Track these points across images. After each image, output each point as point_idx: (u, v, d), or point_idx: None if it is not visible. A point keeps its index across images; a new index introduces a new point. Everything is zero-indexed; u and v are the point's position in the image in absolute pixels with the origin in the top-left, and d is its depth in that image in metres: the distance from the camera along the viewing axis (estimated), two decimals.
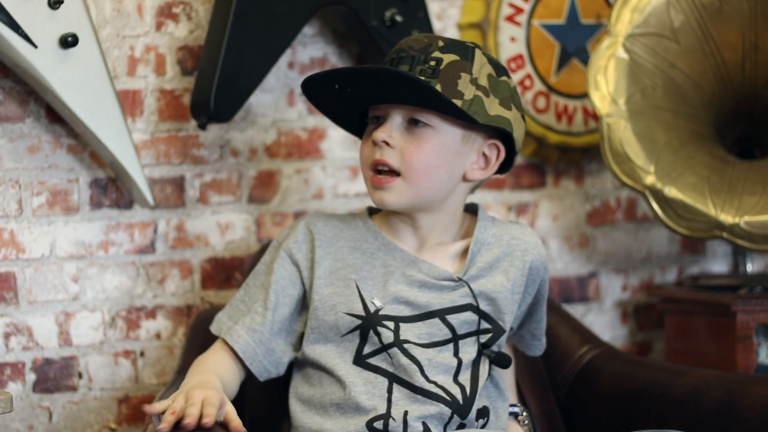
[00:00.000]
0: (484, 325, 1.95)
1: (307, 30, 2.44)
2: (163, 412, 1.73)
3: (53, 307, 2.25)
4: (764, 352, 2.43)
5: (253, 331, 1.95)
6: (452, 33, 2.59)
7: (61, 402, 2.26)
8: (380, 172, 1.93)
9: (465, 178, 1.96)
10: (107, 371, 2.30)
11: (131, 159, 2.22)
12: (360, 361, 1.91)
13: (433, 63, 1.89)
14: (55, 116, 2.23)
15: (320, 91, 1.97)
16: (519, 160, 2.67)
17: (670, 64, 2.49)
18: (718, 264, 2.88)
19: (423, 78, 1.88)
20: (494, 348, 1.97)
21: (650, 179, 2.43)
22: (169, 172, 2.34)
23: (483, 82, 1.91)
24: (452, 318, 1.94)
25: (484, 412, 1.95)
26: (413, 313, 1.93)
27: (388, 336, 1.91)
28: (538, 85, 2.64)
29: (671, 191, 2.42)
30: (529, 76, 2.63)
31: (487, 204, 2.63)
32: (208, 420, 1.71)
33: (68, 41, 2.09)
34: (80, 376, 2.27)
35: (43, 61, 2.09)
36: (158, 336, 2.34)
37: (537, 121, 2.64)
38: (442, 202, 1.96)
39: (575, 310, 2.71)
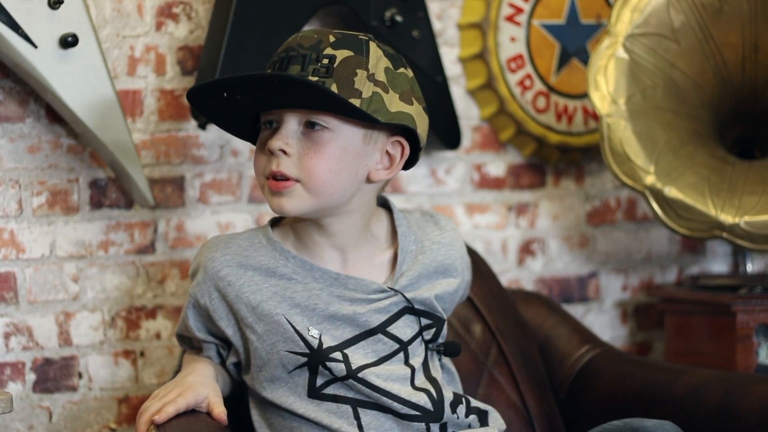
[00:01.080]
0: (425, 321, 1.90)
1: None
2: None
3: (53, 307, 2.25)
4: (764, 352, 2.43)
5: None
6: (452, 33, 2.59)
7: (61, 402, 2.26)
8: (277, 178, 1.81)
9: (369, 180, 1.84)
10: (107, 371, 2.30)
11: (131, 159, 2.21)
12: (315, 393, 1.83)
13: (326, 61, 1.76)
14: (55, 116, 2.23)
15: (208, 99, 1.82)
16: (519, 159, 2.67)
17: (670, 64, 2.49)
18: (718, 264, 2.87)
19: (317, 78, 1.75)
20: (439, 340, 1.93)
21: (650, 179, 2.42)
22: (169, 172, 2.34)
23: (381, 77, 1.79)
24: (393, 329, 1.87)
25: (457, 400, 1.91)
26: (354, 333, 1.85)
27: (339, 369, 1.82)
28: (538, 85, 2.64)
29: (671, 191, 2.42)
30: (529, 76, 2.63)
31: (487, 204, 2.64)
32: (158, 417, 1.77)
33: (68, 41, 2.09)
34: (80, 376, 2.27)
35: (43, 61, 2.09)
36: (158, 336, 2.34)
37: (537, 121, 2.64)
38: (347, 206, 1.84)
39: (575, 310, 2.71)
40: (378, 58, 1.81)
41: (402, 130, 1.84)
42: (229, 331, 1.88)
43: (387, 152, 1.85)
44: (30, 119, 2.22)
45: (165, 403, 1.79)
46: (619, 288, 2.78)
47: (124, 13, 2.29)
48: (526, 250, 2.69)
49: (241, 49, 2.21)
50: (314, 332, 1.84)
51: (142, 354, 2.33)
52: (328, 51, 1.78)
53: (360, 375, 1.83)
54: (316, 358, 1.83)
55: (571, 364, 2.29)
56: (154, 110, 2.32)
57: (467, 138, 2.62)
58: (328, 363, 1.83)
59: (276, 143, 1.79)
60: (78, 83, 2.13)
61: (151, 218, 2.33)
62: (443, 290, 1.94)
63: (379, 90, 1.79)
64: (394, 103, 1.80)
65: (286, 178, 1.79)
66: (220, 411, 1.79)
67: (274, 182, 1.80)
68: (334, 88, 1.76)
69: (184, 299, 2.34)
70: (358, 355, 1.85)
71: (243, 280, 1.85)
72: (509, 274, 2.66)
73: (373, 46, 1.81)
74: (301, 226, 1.89)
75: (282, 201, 1.80)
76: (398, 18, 2.36)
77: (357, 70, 1.78)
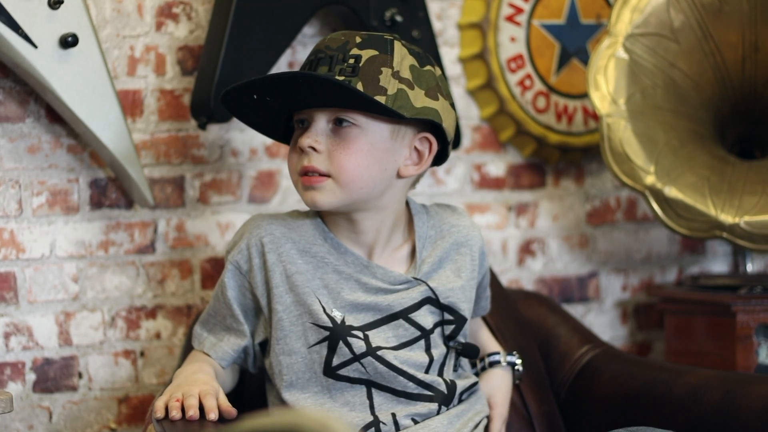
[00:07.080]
0: (447, 316, 1.94)
1: (307, 30, 2.44)
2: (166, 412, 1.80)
3: (53, 307, 2.25)
4: (764, 352, 2.43)
5: (238, 347, 1.95)
6: (452, 33, 2.59)
7: (61, 402, 2.26)
8: (309, 174, 1.87)
9: (399, 175, 1.89)
10: (107, 371, 2.30)
11: (131, 159, 2.22)
12: (331, 372, 1.87)
13: (351, 61, 1.83)
14: (55, 116, 2.23)
15: (241, 102, 1.89)
16: (519, 159, 2.67)
17: (670, 64, 2.49)
18: (718, 264, 2.87)
19: (343, 77, 1.81)
20: (459, 339, 1.96)
21: (650, 179, 2.42)
22: (169, 172, 2.34)
23: (405, 74, 1.84)
24: (416, 316, 1.91)
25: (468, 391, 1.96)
26: (376, 317, 1.90)
27: (359, 346, 1.87)
28: (538, 85, 2.64)
29: (671, 191, 2.42)
30: (529, 76, 2.63)
31: (487, 204, 2.64)
32: (213, 415, 1.77)
33: (68, 41, 2.09)
34: (80, 376, 2.27)
35: (43, 61, 2.09)
36: (158, 336, 2.34)
37: (537, 121, 2.64)
38: (379, 200, 1.89)
39: (575, 310, 2.71)
40: (403, 56, 1.86)
41: (429, 126, 1.89)
42: (263, 300, 1.92)
43: (415, 148, 1.90)
44: (30, 119, 2.22)
45: (203, 397, 1.80)
46: (619, 288, 2.78)
47: (124, 13, 2.29)
48: (526, 250, 2.69)
49: (241, 49, 2.21)
50: (337, 314, 1.88)
51: (142, 354, 2.33)
52: (354, 51, 1.84)
53: (379, 353, 1.87)
54: (337, 332, 1.87)
55: (571, 364, 2.29)
56: (154, 110, 2.32)
57: (467, 138, 2.62)
58: (348, 338, 1.87)
59: (306, 141, 1.85)
60: (78, 83, 2.14)
61: (151, 218, 2.33)
62: (467, 278, 1.96)
63: (404, 87, 1.84)
64: (419, 99, 1.85)
65: (318, 173, 1.84)
66: (227, 406, 1.81)
67: (306, 178, 1.86)
68: (359, 87, 1.81)
69: (184, 299, 2.34)
70: (379, 338, 1.89)
71: (283, 249, 1.91)
72: (509, 274, 2.66)
73: (398, 45, 1.87)
74: (330, 220, 1.94)
75: (315, 194, 1.86)
76: (398, 18, 2.36)
77: (382, 68, 1.83)
